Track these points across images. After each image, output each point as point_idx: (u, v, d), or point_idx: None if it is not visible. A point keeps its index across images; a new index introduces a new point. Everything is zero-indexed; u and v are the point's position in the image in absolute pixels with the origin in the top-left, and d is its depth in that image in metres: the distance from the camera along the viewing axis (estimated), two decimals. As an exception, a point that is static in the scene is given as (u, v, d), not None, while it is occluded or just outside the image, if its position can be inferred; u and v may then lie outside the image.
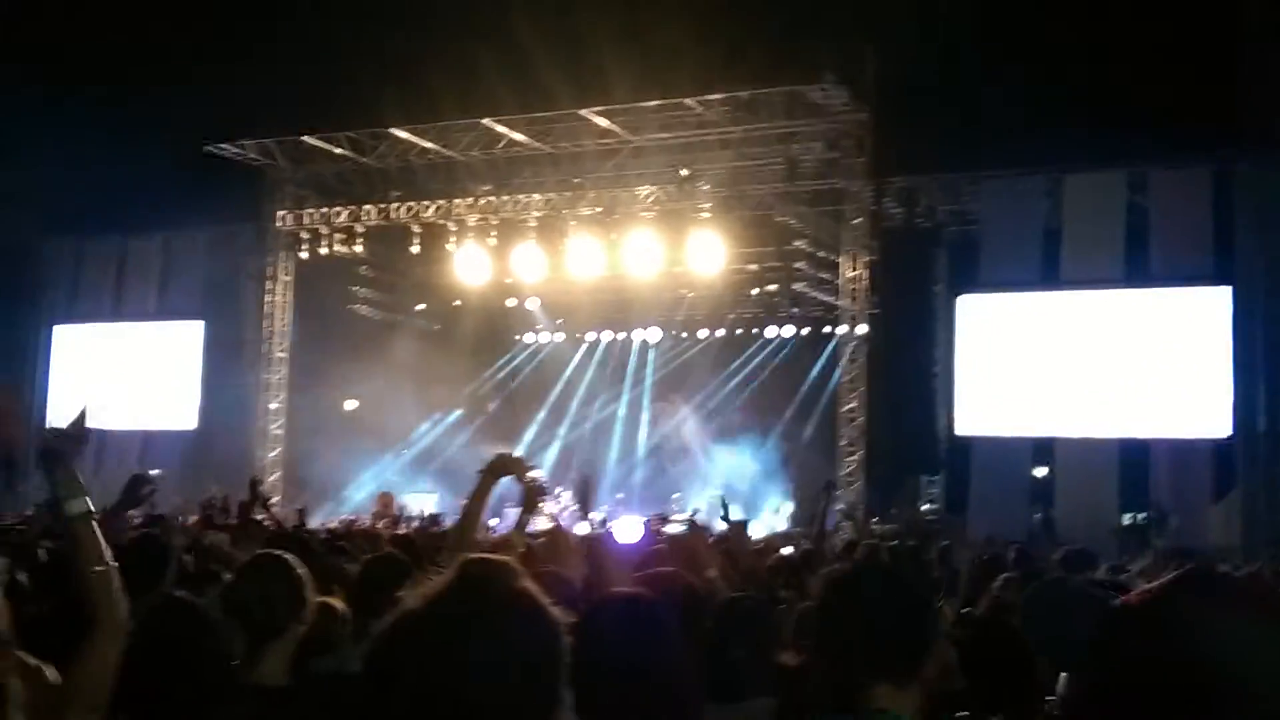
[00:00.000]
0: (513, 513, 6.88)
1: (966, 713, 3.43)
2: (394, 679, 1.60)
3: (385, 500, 21.55)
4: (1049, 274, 20.82)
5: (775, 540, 16.17)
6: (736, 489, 25.78)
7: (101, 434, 25.74)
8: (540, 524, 6.21)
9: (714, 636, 4.11)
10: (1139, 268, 20.08)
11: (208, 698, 3.57)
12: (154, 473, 24.85)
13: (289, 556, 3.89)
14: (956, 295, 21.68)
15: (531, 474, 5.20)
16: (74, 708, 2.55)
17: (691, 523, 6.46)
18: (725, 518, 7.70)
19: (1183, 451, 19.70)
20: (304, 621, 3.74)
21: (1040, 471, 21.30)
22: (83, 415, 2.90)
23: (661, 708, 2.79)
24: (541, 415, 28.60)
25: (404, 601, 1.67)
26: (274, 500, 23.27)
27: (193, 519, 13.31)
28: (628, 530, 7.55)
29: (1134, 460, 20.17)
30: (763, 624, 4.48)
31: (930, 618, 2.70)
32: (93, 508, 2.78)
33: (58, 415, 3.16)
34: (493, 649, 1.60)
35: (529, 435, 27.85)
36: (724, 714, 3.91)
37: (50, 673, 3.03)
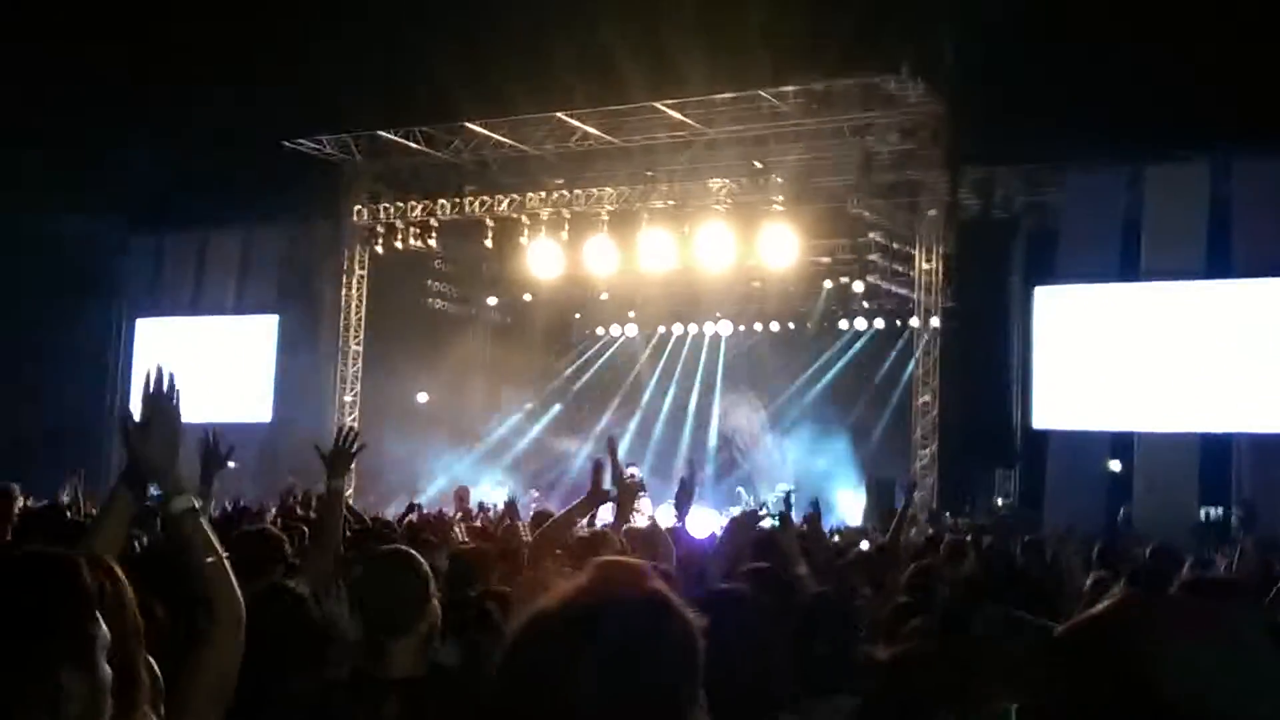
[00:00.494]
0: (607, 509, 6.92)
1: None
2: (529, 679, 1.61)
3: (461, 494, 21.68)
4: (1129, 266, 20.51)
5: (851, 535, 16.10)
6: (808, 483, 25.76)
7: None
8: (638, 520, 6.22)
9: (801, 631, 4.10)
10: (1221, 259, 19.72)
11: (330, 689, 3.60)
12: (229, 465, 25.11)
13: (415, 553, 3.90)
14: (1034, 287, 21.42)
15: (630, 471, 5.23)
16: (198, 703, 2.55)
17: (782, 518, 6.41)
18: (792, 513, 7.67)
19: (1265, 446, 19.34)
20: (428, 619, 3.74)
21: (1116, 465, 21.01)
22: (178, 411, 2.87)
23: (752, 701, 2.79)
24: (612, 409, 28.66)
25: (538, 602, 1.67)
26: (349, 492, 23.60)
27: (270, 510, 13.50)
28: (701, 524, 7.52)
29: (1215, 454, 19.85)
30: (847, 619, 4.47)
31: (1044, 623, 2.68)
32: (198, 503, 2.77)
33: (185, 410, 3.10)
34: (627, 650, 1.59)
35: (599, 429, 27.94)
36: (810, 709, 3.89)
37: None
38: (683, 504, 5.95)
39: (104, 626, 2.03)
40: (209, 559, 2.69)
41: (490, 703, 1.64)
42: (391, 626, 3.66)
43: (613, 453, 5.74)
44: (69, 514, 7.99)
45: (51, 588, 1.97)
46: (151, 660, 2.52)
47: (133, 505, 3.10)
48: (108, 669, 2.01)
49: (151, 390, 2.86)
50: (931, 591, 5.31)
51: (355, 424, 24.86)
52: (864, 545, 10.89)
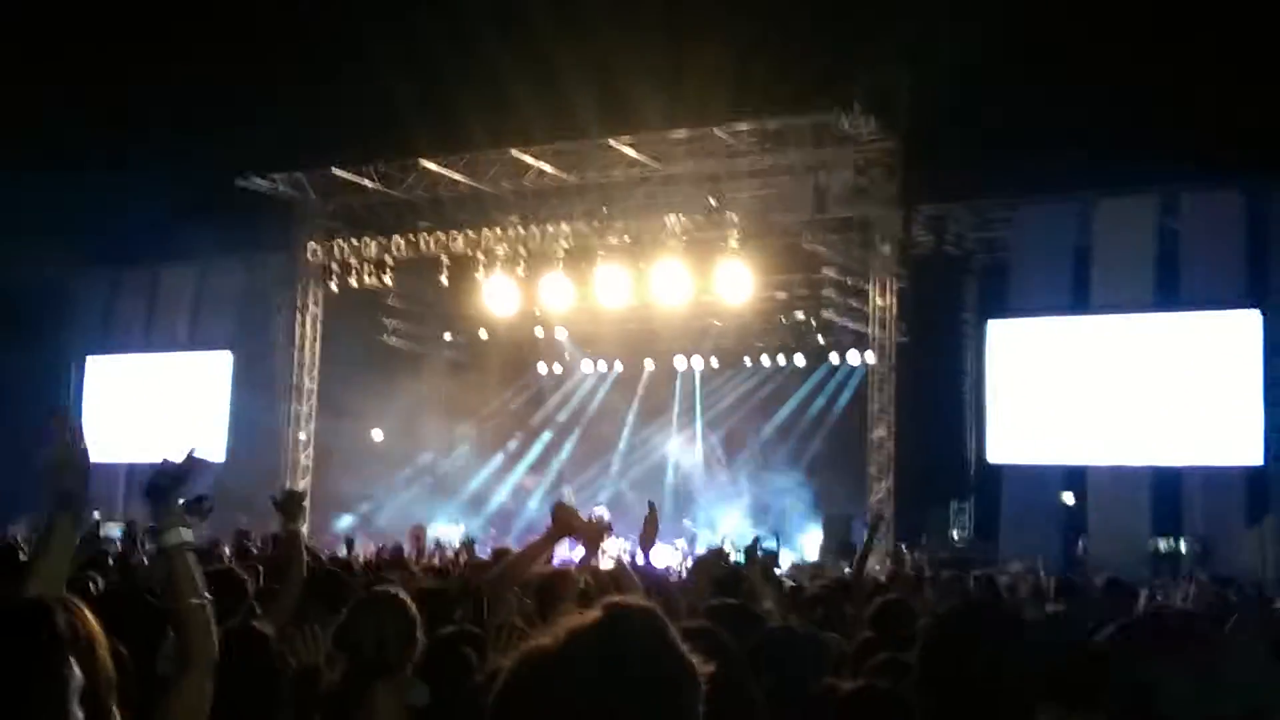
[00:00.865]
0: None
1: None
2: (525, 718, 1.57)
3: (416, 533, 21.56)
4: (1079, 299, 20.77)
5: (808, 571, 16.14)
6: (764, 518, 25.77)
7: (131, 466, 25.92)
8: (604, 560, 6.20)
9: (766, 664, 4.10)
10: (1170, 292, 20.02)
11: None
12: (179, 503, 24.87)
13: (403, 594, 3.89)
14: (986, 320, 21.63)
15: (597, 511, 5.22)
16: None
17: (748, 553, 6.41)
18: (757, 551, 7.66)
19: (1215, 478, 19.59)
20: (413, 660, 3.72)
21: (1070, 499, 21.18)
22: (192, 453, 2.95)
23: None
24: (570, 445, 28.59)
25: (535, 640, 1.64)
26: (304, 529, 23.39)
27: (225, 549, 13.35)
28: (656, 558, 7.49)
29: (1166, 487, 20.08)
30: (815, 653, 4.48)
31: (1038, 658, 2.70)
32: (190, 539, 2.79)
33: (93, 446, 3.21)
34: (633, 694, 1.56)
35: (556, 465, 27.87)
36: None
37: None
38: (647, 540, 5.94)
39: (77, 671, 2.01)
40: (193, 599, 2.66)
41: None
42: (379, 668, 3.64)
43: (559, 505, 5.70)
44: (20, 553, 7.87)
45: (23, 634, 1.96)
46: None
47: (72, 534, 3.15)
48: (80, 714, 2.00)
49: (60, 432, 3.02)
50: (899, 626, 5.31)
51: (309, 461, 24.71)
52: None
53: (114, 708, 2.38)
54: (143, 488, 2.94)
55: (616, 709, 1.54)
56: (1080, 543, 19.61)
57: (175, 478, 2.89)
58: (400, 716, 3.64)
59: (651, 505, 6.24)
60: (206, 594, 2.72)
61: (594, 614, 1.63)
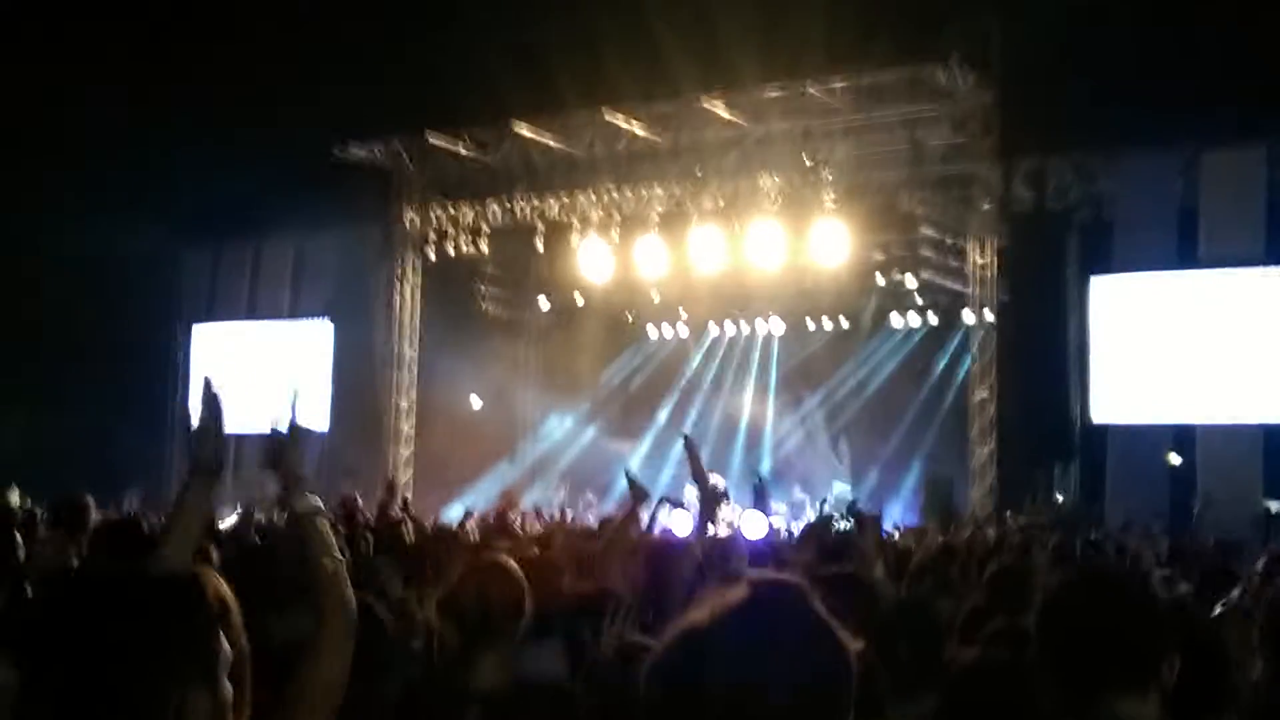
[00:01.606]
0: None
1: None
2: (681, 697, 1.57)
3: (510, 498, 21.72)
4: (1186, 254, 20.25)
5: (911, 535, 15.98)
6: (864, 482, 25.61)
7: (237, 436, 26.38)
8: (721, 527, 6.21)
9: (883, 635, 4.04)
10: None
11: (419, 699, 3.57)
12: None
13: (511, 562, 3.88)
14: (1089, 277, 21.20)
15: (714, 479, 5.20)
16: (307, 711, 2.51)
17: (859, 522, 6.35)
18: (854, 514, 7.60)
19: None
20: (521, 628, 3.72)
21: (1177, 459, 20.74)
22: (296, 415, 2.97)
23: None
24: (667, 410, 28.58)
25: (688, 617, 1.64)
26: (409, 498, 23.73)
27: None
28: (754, 527, 7.49)
29: (1279, 445, 19.57)
30: (930, 622, 4.41)
31: (1165, 622, 2.65)
32: (320, 504, 2.81)
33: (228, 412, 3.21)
34: (786, 671, 1.57)
35: (652, 431, 27.88)
36: (895, 713, 3.84)
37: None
38: (761, 507, 5.93)
39: (226, 644, 2.04)
40: (327, 560, 2.68)
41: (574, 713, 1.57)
42: (486, 637, 3.62)
43: (693, 453, 5.71)
44: (143, 524, 8.02)
45: (178, 607, 1.97)
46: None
47: (206, 500, 3.18)
48: (229, 687, 2.02)
49: (201, 397, 3.04)
50: (1015, 592, 5.21)
51: (411, 429, 25.01)
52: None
53: (249, 683, 2.40)
54: (261, 459, 2.95)
55: (768, 683, 1.55)
56: (1198, 505, 19.11)
57: (291, 444, 2.90)
58: (507, 684, 3.63)
59: (759, 475, 6.21)
60: (340, 555, 2.73)
61: (743, 591, 1.64)
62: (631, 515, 5.75)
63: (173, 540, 3.04)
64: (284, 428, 2.94)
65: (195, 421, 3.04)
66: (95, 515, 8.51)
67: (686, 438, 5.83)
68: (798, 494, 24.29)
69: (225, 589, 2.41)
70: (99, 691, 1.86)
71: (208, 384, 3.10)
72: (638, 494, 5.74)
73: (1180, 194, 20.50)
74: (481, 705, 3.51)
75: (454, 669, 3.63)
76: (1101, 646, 2.50)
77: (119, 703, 1.85)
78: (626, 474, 5.91)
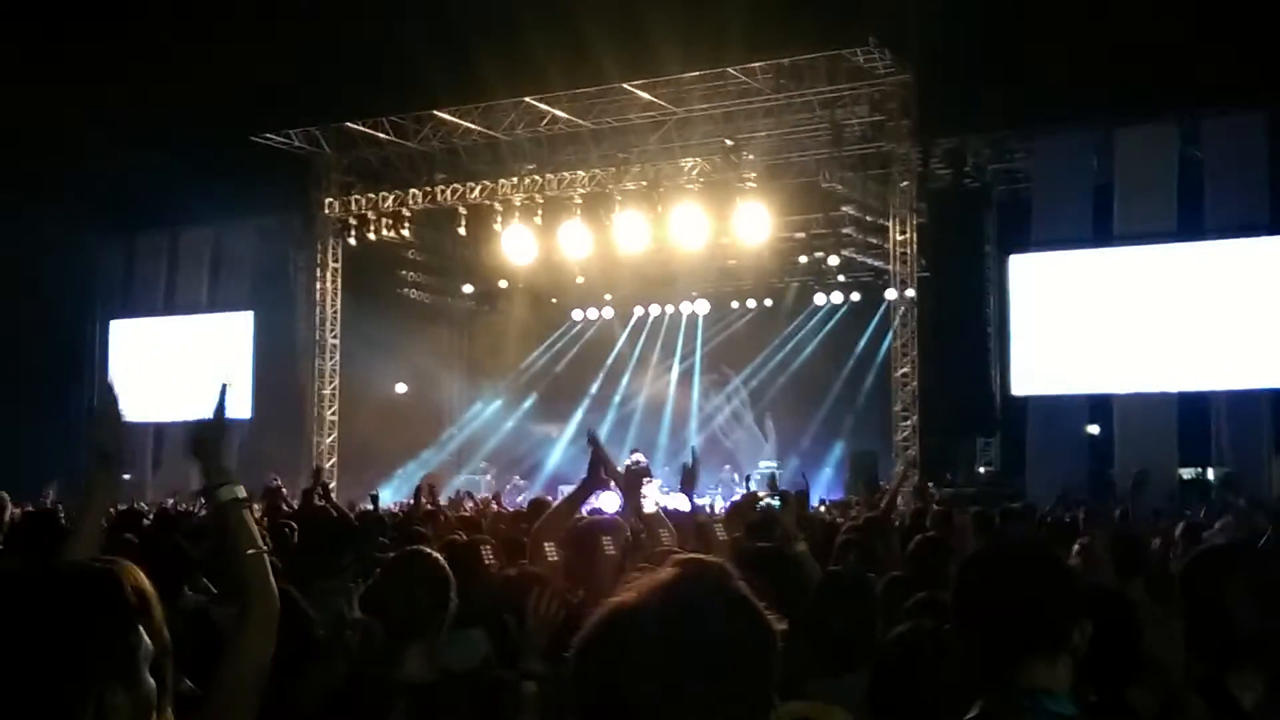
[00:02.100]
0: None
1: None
2: (607, 677, 1.59)
3: (433, 480, 21.61)
4: (1101, 230, 20.60)
5: (836, 509, 16.15)
6: (790, 459, 25.85)
7: (159, 426, 26.08)
8: (646, 505, 6.21)
9: (814, 611, 4.10)
10: (1193, 221, 19.83)
11: (348, 694, 3.56)
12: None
13: (435, 554, 3.85)
14: (1008, 255, 21.52)
15: (635, 457, 5.20)
16: (231, 699, 2.51)
17: (783, 497, 6.41)
18: (778, 490, 7.66)
19: (1242, 403, 19.51)
20: (445, 622, 3.69)
21: (1095, 429, 21.14)
22: (223, 402, 2.94)
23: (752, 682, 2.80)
24: (593, 391, 28.65)
25: (616, 598, 1.65)
26: (332, 486, 23.56)
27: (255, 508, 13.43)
28: (681, 506, 7.52)
29: (1193, 413, 20.00)
30: (862, 596, 4.47)
31: (1077, 588, 2.71)
32: (243, 494, 2.80)
33: (126, 408, 3.25)
34: (710, 651, 1.58)
35: (579, 414, 27.91)
36: (827, 687, 3.89)
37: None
38: (689, 487, 5.94)
39: (145, 637, 2.00)
40: (250, 550, 2.68)
41: (501, 701, 1.57)
42: (412, 629, 3.63)
43: (595, 445, 5.68)
44: (60, 517, 7.94)
45: (95, 601, 1.94)
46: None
47: (111, 490, 3.22)
48: (151, 681, 1.99)
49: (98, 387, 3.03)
50: (937, 564, 5.30)
51: (334, 417, 24.83)
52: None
53: (170, 672, 2.40)
54: (185, 448, 2.94)
55: (693, 664, 1.56)
56: (1129, 483, 19.36)
57: (216, 432, 2.88)
58: (433, 675, 3.62)
59: (694, 451, 6.26)
60: (264, 545, 2.74)
61: (669, 571, 1.65)
62: (583, 492, 5.70)
63: (84, 530, 3.07)
64: (210, 417, 2.92)
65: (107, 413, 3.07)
66: (14, 510, 8.41)
67: (590, 433, 5.75)
68: (725, 472, 24.45)
69: (144, 581, 2.40)
70: (10, 692, 1.82)
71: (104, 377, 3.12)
72: (595, 480, 5.69)
73: (1095, 171, 20.86)
74: (408, 698, 3.51)
75: (380, 662, 3.63)
76: (1012, 614, 2.56)
77: (32, 702, 1.82)
78: (591, 437, 5.83)
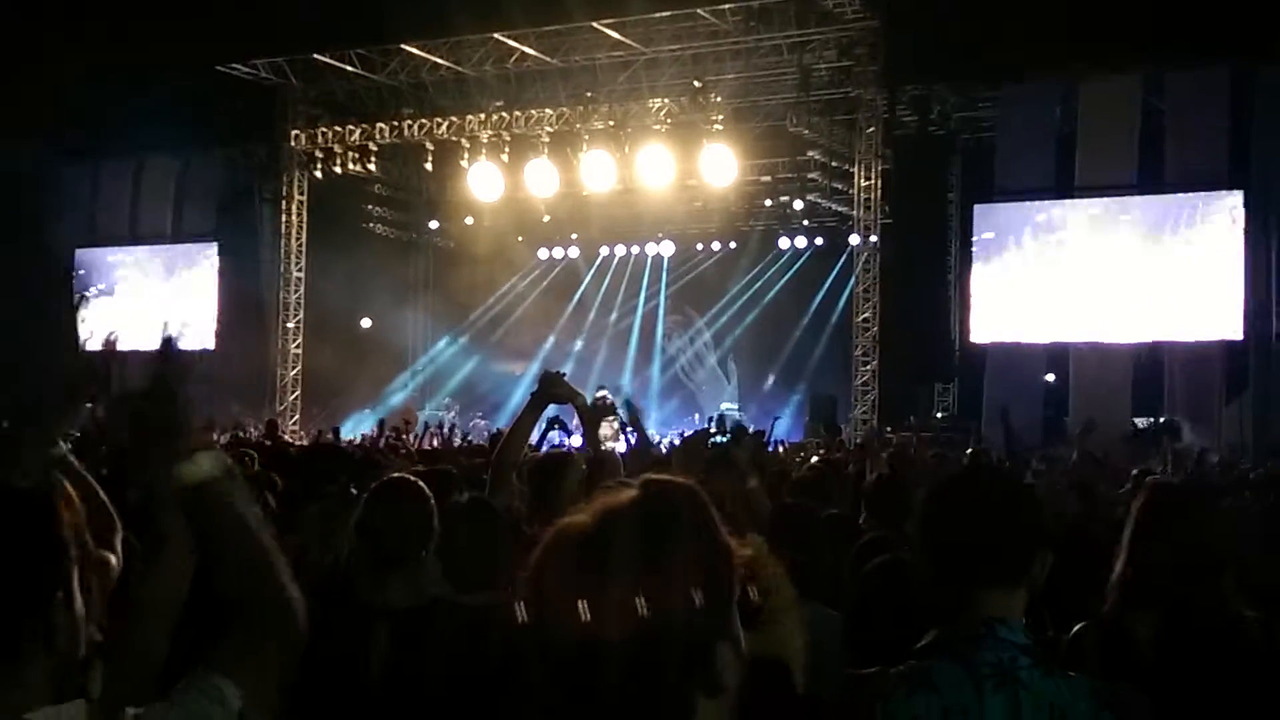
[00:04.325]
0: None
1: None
2: (565, 600, 1.52)
3: (407, 415, 21.73)
4: (1063, 181, 20.77)
5: (794, 450, 16.41)
6: (750, 401, 26.10)
7: (122, 355, 25.97)
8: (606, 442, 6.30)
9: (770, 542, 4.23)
10: (1153, 173, 20.04)
11: (329, 619, 3.59)
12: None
13: (421, 483, 3.85)
14: (971, 204, 21.69)
15: (601, 393, 5.26)
16: (146, 619, 2.59)
17: (737, 433, 6.50)
18: (732, 428, 7.72)
19: (1195, 355, 19.80)
20: (428, 549, 3.71)
21: (1051, 377, 21.41)
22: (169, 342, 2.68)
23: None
24: (557, 330, 28.75)
25: (570, 517, 1.60)
26: (295, 418, 23.64)
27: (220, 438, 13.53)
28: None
29: (1147, 364, 20.31)
30: (811, 530, 4.61)
31: (1038, 517, 2.71)
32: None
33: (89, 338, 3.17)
34: (681, 571, 1.52)
35: (544, 351, 28.03)
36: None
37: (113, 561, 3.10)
38: (636, 425, 6.01)
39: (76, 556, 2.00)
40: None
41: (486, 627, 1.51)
42: (396, 556, 3.66)
43: (564, 386, 5.66)
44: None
45: (34, 523, 1.95)
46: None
47: (68, 423, 3.21)
48: (81, 600, 2.00)
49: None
50: (893, 502, 5.41)
51: (299, 350, 24.84)
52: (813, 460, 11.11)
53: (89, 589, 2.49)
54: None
55: (651, 585, 1.50)
56: (1075, 430, 19.67)
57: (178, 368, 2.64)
58: (414, 601, 3.65)
59: (621, 389, 6.34)
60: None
61: (632, 491, 1.60)
62: (530, 416, 5.65)
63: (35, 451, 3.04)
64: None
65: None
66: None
67: (545, 373, 5.65)
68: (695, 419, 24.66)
69: (73, 497, 2.44)
70: None
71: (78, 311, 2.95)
72: (541, 396, 5.63)
73: (1059, 121, 21.01)
74: (391, 622, 3.56)
75: (364, 587, 3.66)
76: (974, 542, 2.58)
77: None
78: (544, 373, 5.76)
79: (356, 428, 22.83)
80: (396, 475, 4.07)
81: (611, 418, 6.31)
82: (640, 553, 1.53)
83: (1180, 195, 19.80)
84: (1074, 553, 3.80)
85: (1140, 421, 20.41)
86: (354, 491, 5.61)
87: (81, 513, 2.49)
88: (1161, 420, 19.93)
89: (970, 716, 2.42)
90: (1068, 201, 20.74)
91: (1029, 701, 2.42)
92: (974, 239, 21.41)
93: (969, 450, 12.42)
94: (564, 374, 5.75)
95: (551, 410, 6.15)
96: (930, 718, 2.43)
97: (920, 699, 2.44)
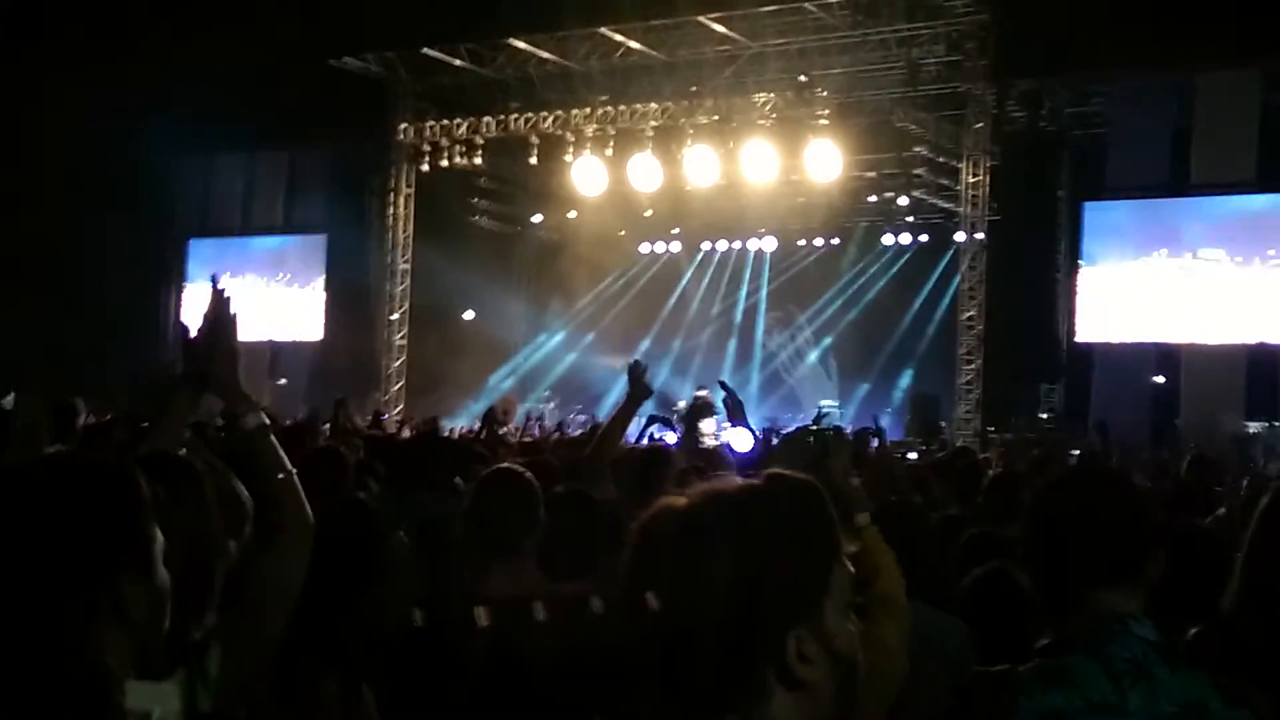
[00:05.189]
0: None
1: None
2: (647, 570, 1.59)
3: (508, 403, 21.85)
4: (1178, 178, 20.33)
5: (895, 448, 16.24)
6: (850, 399, 25.89)
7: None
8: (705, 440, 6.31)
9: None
10: (1273, 171, 19.51)
11: (435, 606, 3.65)
12: (280, 382, 25.91)
13: (527, 472, 3.88)
14: (1081, 201, 21.31)
15: (700, 393, 5.25)
16: (261, 610, 2.66)
17: (837, 433, 6.43)
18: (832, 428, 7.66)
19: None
20: (534, 538, 3.74)
21: (1160, 379, 20.97)
22: (224, 315, 2.92)
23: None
24: (658, 325, 28.76)
25: (667, 502, 1.67)
26: (399, 409, 23.95)
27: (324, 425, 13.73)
28: (740, 441, 7.62)
29: (1262, 367, 19.79)
30: (918, 529, 4.57)
31: (1151, 517, 2.71)
32: (266, 420, 2.86)
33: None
34: (792, 563, 1.58)
35: (645, 345, 28.07)
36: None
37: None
38: (737, 418, 5.99)
39: (159, 532, 1.99)
40: (279, 475, 2.79)
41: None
42: (498, 544, 3.71)
43: (634, 368, 5.65)
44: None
45: (108, 493, 1.94)
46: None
47: (190, 409, 3.21)
48: (165, 574, 1.99)
49: (211, 306, 2.94)
50: (1005, 501, 5.34)
51: (404, 341, 25.16)
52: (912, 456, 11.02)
53: (219, 569, 2.57)
54: (195, 378, 2.96)
55: (725, 566, 1.56)
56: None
57: (228, 360, 2.88)
58: (517, 591, 3.66)
59: (725, 385, 6.31)
60: (291, 467, 2.82)
61: (752, 481, 1.65)
62: (627, 411, 5.68)
63: (152, 441, 3.11)
64: (213, 342, 2.91)
65: (193, 332, 2.98)
66: (90, 417, 8.54)
67: (634, 362, 5.63)
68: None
69: (198, 473, 2.52)
70: (32, 575, 1.83)
71: (219, 296, 2.94)
72: (639, 392, 5.66)
73: (1174, 116, 20.55)
74: (495, 609, 3.58)
75: (469, 575, 3.70)
76: (1087, 541, 2.57)
77: (54, 586, 1.82)
78: (633, 369, 5.77)
79: (457, 420, 23.06)
80: (505, 465, 4.10)
81: (710, 417, 6.30)
82: (729, 535, 1.58)
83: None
84: (1188, 554, 3.69)
85: (1253, 426, 19.89)
86: (458, 481, 5.68)
87: (208, 487, 2.56)
88: (1275, 425, 19.41)
89: (1114, 713, 2.42)
90: (1182, 200, 20.28)
91: (1164, 697, 2.42)
92: (1083, 237, 21.02)
93: (1076, 451, 12.19)
94: (645, 366, 5.75)
95: (650, 407, 6.16)
96: (1073, 711, 2.43)
97: (1059, 693, 2.44)
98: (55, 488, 1.89)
